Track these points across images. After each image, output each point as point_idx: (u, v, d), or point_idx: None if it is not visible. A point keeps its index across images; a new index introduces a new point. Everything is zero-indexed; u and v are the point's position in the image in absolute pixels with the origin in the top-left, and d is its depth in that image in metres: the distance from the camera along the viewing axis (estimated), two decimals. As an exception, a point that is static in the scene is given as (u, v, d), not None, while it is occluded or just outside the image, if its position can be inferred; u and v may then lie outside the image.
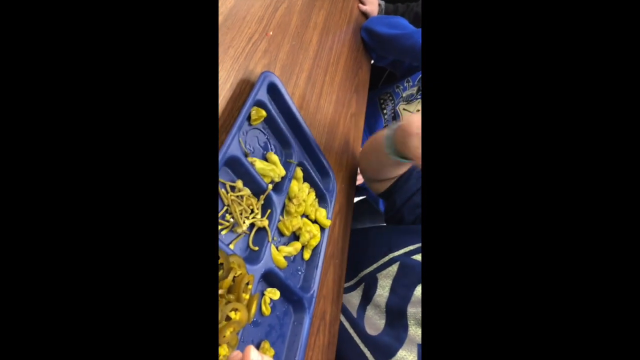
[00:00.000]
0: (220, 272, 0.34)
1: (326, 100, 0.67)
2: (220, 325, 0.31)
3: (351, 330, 0.58)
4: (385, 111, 1.03)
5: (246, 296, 0.35)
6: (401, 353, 0.52)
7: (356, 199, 1.30)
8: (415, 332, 0.52)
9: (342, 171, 0.69)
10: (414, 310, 0.53)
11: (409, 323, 0.53)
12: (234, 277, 0.35)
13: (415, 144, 0.43)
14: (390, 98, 1.02)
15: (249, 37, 0.47)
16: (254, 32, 0.48)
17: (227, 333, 0.32)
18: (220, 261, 0.34)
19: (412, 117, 0.45)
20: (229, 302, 0.33)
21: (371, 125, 1.04)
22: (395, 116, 1.01)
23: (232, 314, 0.33)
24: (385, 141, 0.51)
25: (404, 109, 1.00)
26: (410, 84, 0.97)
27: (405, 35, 0.85)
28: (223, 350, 0.32)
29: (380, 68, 1.15)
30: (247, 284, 0.36)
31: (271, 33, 0.51)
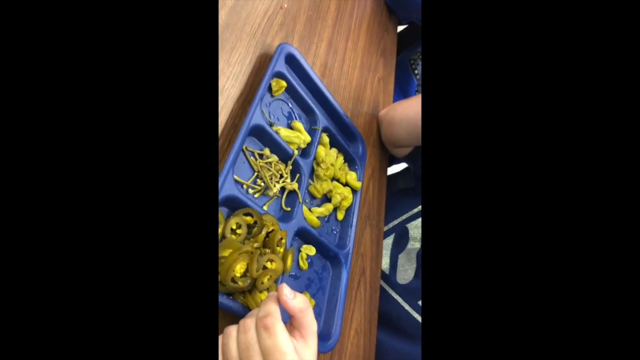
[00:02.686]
0: (255, 229, 0.38)
1: (350, 66, 0.67)
2: (257, 274, 0.35)
3: (383, 283, 0.61)
4: (416, 72, 1.00)
5: (280, 249, 0.39)
6: None
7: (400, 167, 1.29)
8: None
9: (372, 135, 0.70)
10: None
11: None
12: (268, 233, 0.38)
13: None
14: (420, 57, 0.99)
15: (263, 12, 0.49)
16: (268, 7, 0.50)
17: (264, 280, 0.36)
18: (254, 219, 0.38)
19: None
20: (264, 254, 0.37)
21: (404, 87, 1.02)
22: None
23: (268, 264, 0.36)
24: None
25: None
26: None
27: None
28: (263, 296, 0.36)
29: (414, 29, 1.11)
30: (281, 239, 0.39)
31: (285, 5, 0.53)
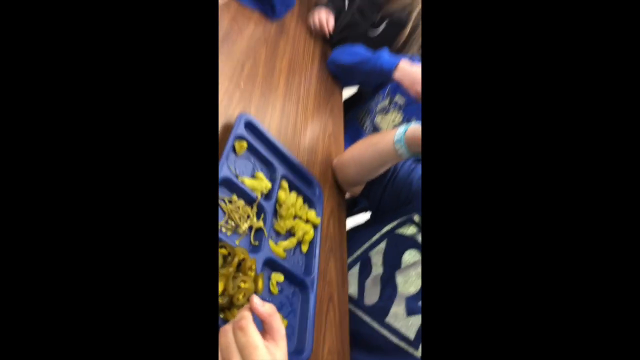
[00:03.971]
0: (229, 258, 0.47)
1: (302, 127, 0.81)
2: (233, 291, 0.43)
3: (353, 307, 0.69)
4: (365, 126, 1.16)
5: (252, 274, 0.48)
6: (393, 309, 0.63)
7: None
8: (402, 289, 0.63)
9: (329, 181, 0.82)
10: (403, 273, 0.65)
11: (397, 283, 0.64)
12: (240, 261, 0.47)
13: None
14: (367, 114, 1.16)
15: (224, 91, 0.62)
16: (227, 87, 0.64)
17: (239, 297, 0.44)
18: (227, 251, 0.47)
19: None
20: (237, 277, 0.45)
21: (355, 139, 1.17)
22: (375, 128, 1.14)
23: (242, 284, 0.45)
24: (396, 145, 0.64)
25: (380, 120, 1.13)
26: (381, 97, 1.11)
27: (365, 61, 1.00)
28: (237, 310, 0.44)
29: (360, 93, 1.30)
30: (251, 266, 0.48)
31: (242, 85, 0.67)
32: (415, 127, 0.62)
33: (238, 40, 0.73)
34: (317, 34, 1.13)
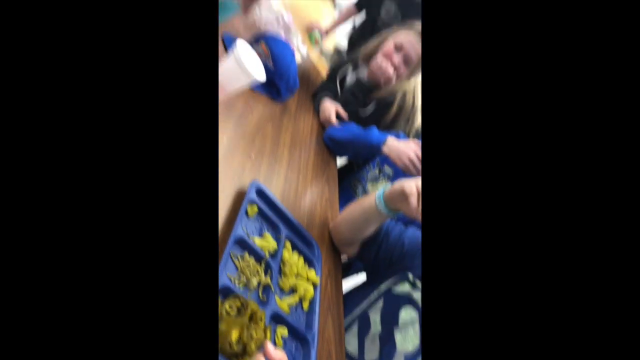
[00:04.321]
0: (242, 310, 0.52)
1: (302, 192, 0.90)
2: (246, 340, 0.48)
3: None
4: (357, 192, 1.26)
5: (262, 324, 0.52)
6: None
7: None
8: (401, 346, 0.67)
9: (325, 242, 0.89)
10: (401, 331, 0.69)
11: (396, 340, 0.68)
12: (252, 312, 0.53)
13: (414, 200, 0.64)
14: (359, 182, 1.27)
15: (237, 162, 0.72)
16: (240, 159, 0.73)
17: (252, 345, 0.48)
18: (241, 302, 0.52)
19: (408, 183, 0.67)
20: (250, 327, 0.50)
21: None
22: (366, 194, 1.24)
23: (254, 333, 0.50)
24: (376, 201, 0.73)
25: (371, 188, 1.24)
26: (372, 168, 1.23)
27: (357, 136, 1.14)
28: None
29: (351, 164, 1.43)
30: (261, 317, 0.53)
31: (252, 156, 0.77)
32: (391, 187, 0.71)
33: (249, 119, 0.85)
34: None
